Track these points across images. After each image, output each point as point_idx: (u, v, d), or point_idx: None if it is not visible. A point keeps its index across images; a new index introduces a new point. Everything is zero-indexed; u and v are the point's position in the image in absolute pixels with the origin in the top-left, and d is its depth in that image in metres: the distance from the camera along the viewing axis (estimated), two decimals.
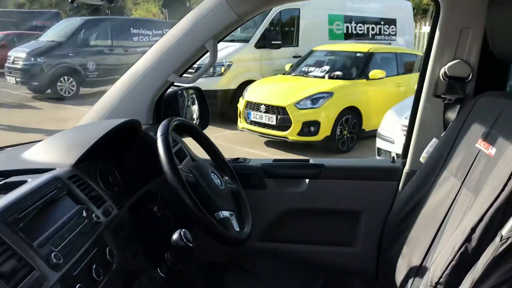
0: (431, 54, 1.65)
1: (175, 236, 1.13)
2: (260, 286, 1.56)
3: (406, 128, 5.24)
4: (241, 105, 6.77)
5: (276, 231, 1.87)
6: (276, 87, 6.91)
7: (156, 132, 1.58)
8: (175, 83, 1.77)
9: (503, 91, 1.59)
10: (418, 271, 1.38)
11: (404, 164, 1.78)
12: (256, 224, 1.56)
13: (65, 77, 10.17)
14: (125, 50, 11.20)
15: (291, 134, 6.15)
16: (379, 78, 6.78)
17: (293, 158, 2.00)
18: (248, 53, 8.31)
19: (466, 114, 1.47)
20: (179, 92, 1.99)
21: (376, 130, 5.73)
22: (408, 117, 5.32)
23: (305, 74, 7.22)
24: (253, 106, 6.53)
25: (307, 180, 1.85)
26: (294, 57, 8.64)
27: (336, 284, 1.63)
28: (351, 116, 6.41)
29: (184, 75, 1.73)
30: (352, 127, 6.45)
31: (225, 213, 1.39)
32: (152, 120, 1.76)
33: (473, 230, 1.12)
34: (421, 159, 1.66)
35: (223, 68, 7.93)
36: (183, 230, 1.14)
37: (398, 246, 1.54)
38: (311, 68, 7.25)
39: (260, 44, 8.49)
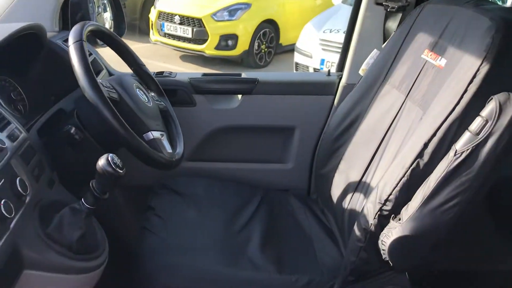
0: None
1: (101, 162, 0.96)
2: (193, 207, 1.46)
3: (324, 42, 5.27)
4: (152, 15, 6.26)
5: (207, 151, 1.75)
6: None
7: (64, 40, 1.34)
8: None
9: None
10: (357, 186, 1.34)
11: (340, 77, 1.70)
12: (185, 144, 1.42)
13: None
14: None
15: (208, 48, 5.86)
16: None
17: (224, 73, 1.83)
18: None
19: (411, 23, 1.38)
20: None
21: (293, 44, 5.65)
22: (327, 30, 5.30)
23: None
24: (167, 16, 6.07)
25: (239, 96, 1.71)
26: None
27: (270, 200, 1.57)
28: (268, 30, 6.22)
29: None
30: (270, 41, 6.29)
31: (155, 134, 1.23)
32: (58, 27, 1.50)
33: (425, 145, 1.07)
34: (360, 72, 1.58)
35: None
36: (110, 155, 0.97)
37: (334, 162, 1.49)
38: None
39: None
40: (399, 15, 1.53)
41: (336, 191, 1.44)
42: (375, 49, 1.55)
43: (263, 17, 6.14)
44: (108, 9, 1.92)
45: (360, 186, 1.33)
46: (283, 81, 1.74)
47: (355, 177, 1.37)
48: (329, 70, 1.73)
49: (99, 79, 1.11)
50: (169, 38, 6.09)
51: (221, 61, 6.04)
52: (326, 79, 1.72)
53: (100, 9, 1.89)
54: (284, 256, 1.33)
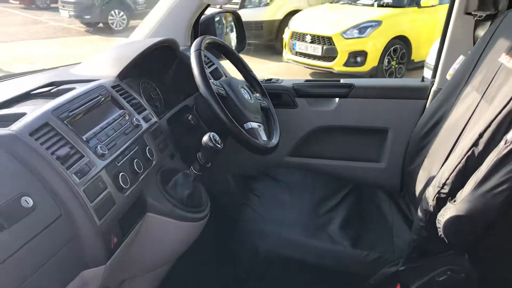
0: None
1: (205, 138, 1.27)
2: (288, 192, 1.70)
3: None
4: (286, 35, 6.72)
5: (306, 147, 1.98)
6: (323, 17, 6.76)
7: None
8: (212, 5, 1.85)
9: None
10: (434, 178, 1.46)
11: (433, 83, 1.81)
12: (286, 141, 1.67)
13: (116, 11, 10.37)
14: None
15: (337, 65, 6.09)
16: (432, 6, 6.48)
17: (324, 79, 2.07)
18: None
19: (494, 29, 1.47)
20: (217, 17, 2.08)
21: (424, 61, 5.59)
22: None
23: (354, 2, 7.00)
24: (299, 36, 6.46)
25: (337, 99, 1.93)
26: None
27: (359, 193, 1.74)
28: (400, 46, 6.24)
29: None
30: (401, 57, 6.29)
31: (253, 124, 1.51)
32: (190, 42, 1.87)
33: (480, 135, 1.18)
34: (447, 77, 1.69)
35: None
36: (212, 133, 1.28)
37: (420, 159, 1.62)
38: None
39: None
40: (488, 23, 1.61)
41: (419, 186, 1.57)
42: (461, 55, 1.65)
43: (394, 33, 6.19)
44: (234, 29, 2.29)
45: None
46: (377, 85, 1.92)
47: (435, 171, 1.49)
48: (423, 76, 1.86)
49: (212, 80, 1.44)
50: (300, 56, 6.46)
51: (350, 77, 6.17)
52: (419, 84, 1.85)
53: (228, 30, 2.27)
54: (362, 235, 1.50)
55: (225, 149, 1.36)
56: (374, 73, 6.09)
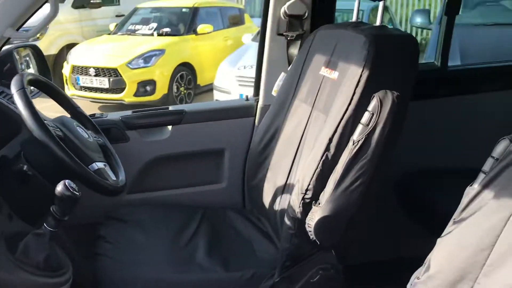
0: None
1: (59, 187, 1.09)
2: (140, 230, 1.59)
3: (240, 79, 5.61)
4: (66, 70, 6.30)
5: (146, 181, 1.88)
6: (104, 48, 6.56)
7: None
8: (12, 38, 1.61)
9: (335, 23, 1.82)
10: (284, 188, 1.56)
11: (257, 101, 1.93)
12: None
13: None
14: None
15: (127, 96, 5.98)
16: (208, 33, 6.93)
17: (153, 107, 2.01)
18: (65, 14, 7.65)
19: (308, 47, 1.65)
20: (15, 50, 1.82)
21: (211, 84, 5.93)
22: (241, 67, 5.66)
23: (133, 32, 6.99)
24: (81, 70, 6.14)
25: (169, 127, 1.89)
26: (117, 16, 8.27)
27: (211, 216, 1.74)
28: (185, 72, 6.47)
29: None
30: (188, 83, 6.53)
31: (99, 164, 1.37)
32: None
33: (330, 140, 1.31)
34: (273, 93, 1.83)
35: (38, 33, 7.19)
36: (67, 181, 1.11)
37: (262, 173, 1.71)
38: (138, 26, 7.04)
39: (77, 4, 7.91)
40: (298, 42, 1.81)
41: (267, 198, 1.65)
42: (282, 73, 1.81)
43: (178, 61, 6.40)
44: (31, 65, 2.03)
45: (286, 188, 1.55)
46: (207, 109, 1.95)
47: (281, 181, 1.59)
48: (247, 96, 1.97)
49: (46, 121, 1.25)
50: (86, 90, 6.14)
51: (142, 107, 6.09)
52: (246, 103, 1.95)
53: (23, 66, 2.00)
54: (229, 258, 1.50)
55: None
56: (165, 100, 6.16)
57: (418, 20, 4.82)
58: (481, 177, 0.96)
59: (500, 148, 0.95)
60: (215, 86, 5.68)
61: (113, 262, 1.42)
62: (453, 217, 0.96)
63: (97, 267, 1.40)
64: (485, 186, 0.91)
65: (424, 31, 7.88)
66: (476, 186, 0.94)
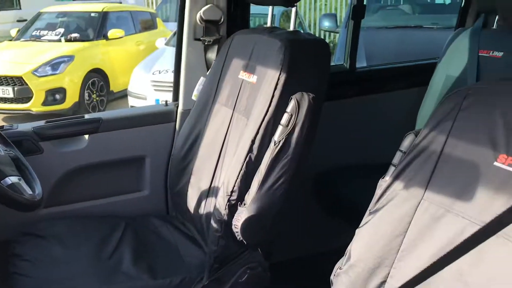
0: (186, 0, 1.80)
1: None
2: (59, 245, 1.52)
3: (155, 83, 5.54)
4: None
5: (63, 193, 1.80)
6: (6, 56, 6.12)
7: None
8: None
9: (251, 28, 1.87)
10: (208, 192, 1.57)
11: (177, 106, 1.93)
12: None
13: None
14: None
15: (35, 105, 5.65)
16: (119, 38, 6.74)
17: (67, 116, 1.92)
18: None
19: (226, 51, 1.68)
20: None
21: (126, 89, 5.78)
22: (156, 72, 5.59)
23: (38, 38, 6.60)
24: None
25: (86, 136, 1.82)
26: (19, 21, 7.79)
27: (135, 225, 1.71)
28: (97, 79, 6.24)
29: None
30: (100, 89, 6.30)
31: (13, 178, 1.29)
32: None
33: (253, 141, 1.35)
34: (193, 97, 1.83)
35: None
36: None
37: (185, 178, 1.71)
38: (44, 32, 6.67)
39: None
40: (216, 47, 1.84)
41: (191, 203, 1.65)
42: (201, 77, 1.82)
43: (89, 67, 6.16)
44: None
45: (210, 191, 1.56)
46: (125, 116, 1.90)
47: (205, 185, 1.60)
48: (166, 101, 1.95)
49: None
50: None
51: (53, 116, 5.81)
52: (165, 109, 1.94)
53: None
54: (156, 265, 1.48)
55: None
56: (77, 108, 5.90)
57: (326, 24, 5.05)
58: (391, 169, 1.04)
59: (406, 142, 1.04)
60: (129, 92, 5.55)
61: (32, 280, 1.35)
62: (369, 208, 1.04)
63: (15, 287, 1.32)
64: (395, 178, 0.99)
65: (332, 34, 8.29)
66: (387, 179, 1.02)
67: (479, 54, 1.80)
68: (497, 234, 0.75)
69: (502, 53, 1.75)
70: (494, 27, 1.95)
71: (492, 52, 1.79)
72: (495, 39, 1.81)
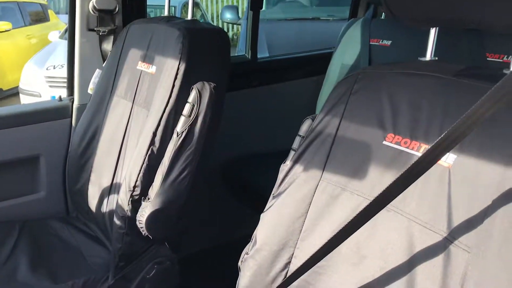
0: None
1: None
2: None
3: (50, 79, 5.21)
4: None
5: None
6: None
7: None
8: None
9: (148, 18, 1.81)
10: (111, 188, 1.51)
11: (72, 101, 1.82)
12: None
13: None
14: None
15: None
16: (6, 31, 6.22)
17: None
18: None
19: (122, 42, 1.62)
20: None
21: (17, 87, 5.35)
22: (50, 67, 5.26)
23: None
24: None
25: None
26: None
27: (31, 230, 1.59)
28: None
29: None
30: None
31: None
32: None
33: (154, 134, 1.32)
34: (89, 91, 1.74)
35: None
36: None
37: (85, 176, 1.62)
38: None
39: None
40: (111, 37, 1.76)
41: (92, 201, 1.57)
42: (97, 69, 1.73)
43: None
44: None
45: (112, 188, 1.50)
46: (16, 113, 1.75)
47: (106, 182, 1.53)
48: (60, 96, 1.83)
49: None
50: None
51: None
52: (59, 104, 1.81)
53: None
54: (57, 269, 1.40)
55: None
56: None
57: (228, 16, 5.06)
58: (291, 154, 1.07)
59: (304, 127, 1.08)
60: (21, 90, 5.15)
61: None
62: (272, 192, 1.06)
63: None
64: (295, 161, 1.02)
65: (235, 26, 8.34)
66: (288, 163, 1.05)
67: (370, 43, 1.92)
68: (387, 207, 0.80)
69: (391, 41, 1.88)
70: (382, 17, 2.08)
71: (382, 41, 1.91)
72: (384, 29, 1.94)
